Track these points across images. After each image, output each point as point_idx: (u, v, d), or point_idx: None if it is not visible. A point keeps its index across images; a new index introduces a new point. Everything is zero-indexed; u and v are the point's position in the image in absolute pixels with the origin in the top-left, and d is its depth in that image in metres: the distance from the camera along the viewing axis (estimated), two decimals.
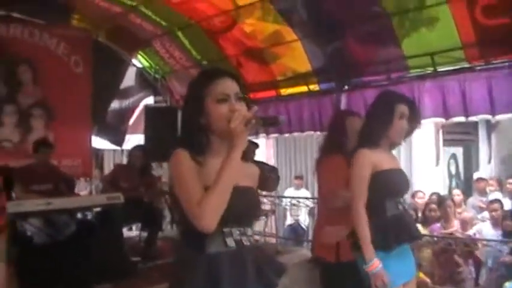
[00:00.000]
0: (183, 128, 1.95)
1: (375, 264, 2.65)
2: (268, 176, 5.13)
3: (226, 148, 1.82)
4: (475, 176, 7.73)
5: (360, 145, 2.89)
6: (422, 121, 5.50)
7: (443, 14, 4.95)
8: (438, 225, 6.04)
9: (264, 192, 6.71)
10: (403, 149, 8.83)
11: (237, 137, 1.78)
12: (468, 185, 8.65)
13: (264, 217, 7.34)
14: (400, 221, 2.81)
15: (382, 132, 2.86)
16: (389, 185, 2.82)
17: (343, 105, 6.20)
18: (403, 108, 2.86)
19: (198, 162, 1.83)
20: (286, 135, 7.55)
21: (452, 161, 10.42)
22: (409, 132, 2.95)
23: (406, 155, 9.11)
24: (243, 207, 1.85)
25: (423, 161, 9.13)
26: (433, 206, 6.39)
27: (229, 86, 1.87)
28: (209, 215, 1.71)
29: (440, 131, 9.36)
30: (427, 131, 8.85)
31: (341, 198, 3.14)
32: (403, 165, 3.63)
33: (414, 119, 2.95)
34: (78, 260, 4.60)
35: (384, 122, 2.85)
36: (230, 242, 1.82)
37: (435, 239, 5.87)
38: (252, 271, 1.82)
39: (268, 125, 1.84)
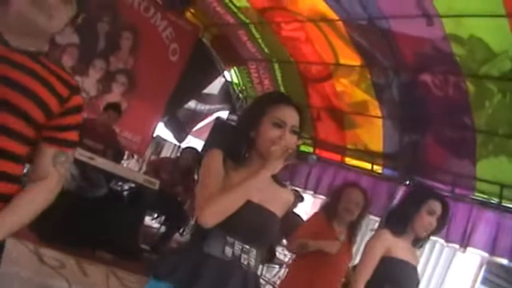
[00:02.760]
0: (231, 133, 2.02)
1: None
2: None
3: (258, 168, 1.88)
4: None
5: (383, 225, 2.88)
6: (468, 249, 5.36)
7: None
8: None
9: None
10: (438, 273, 8.57)
11: (272, 159, 1.84)
12: None
13: (277, 266, 7.26)
14: None
15: (407, 221, 2.82)
16: (394, 275, 2.77)
17: (396, 198, 6.10)
18: (435, 206, 2.81)
19: (227, 168, 1.89)
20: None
21: None
22: (435, 231, 2.89)
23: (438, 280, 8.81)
24: (255, 227, 1.86)
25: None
26: None
27: (289, 116, 1.92)
28: (212, 211, 1.77)
29: (483, 267, 8.99)
30: (470, 261, 8.54)
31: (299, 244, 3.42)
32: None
33: (443, 221, 2.90)
34: (95, 221, 4.71)
35: (411, 211, 2.82)
36: (228, 251, 1.82)
37: None
38: None
39: (300, 159, 1.87)
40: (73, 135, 1.61)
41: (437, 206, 2.82)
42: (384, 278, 2.74)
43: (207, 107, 8.84)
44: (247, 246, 1.85)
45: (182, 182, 6.23)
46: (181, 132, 8.80)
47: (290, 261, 5.07)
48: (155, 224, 7.09)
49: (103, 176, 5.19)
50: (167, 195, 5.85)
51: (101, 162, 4.88)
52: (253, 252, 1.87)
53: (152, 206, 5.94)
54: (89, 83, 6.96)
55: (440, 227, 2.87)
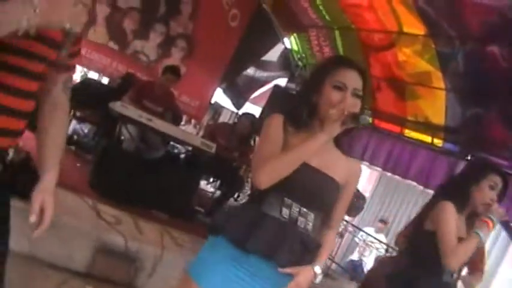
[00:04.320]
0: (294, 98, 2.02)
1: None
2: (355, 201, 5.07)
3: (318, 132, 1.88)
4: None
5: (443, 198, 2.77)
6: None
7: None
8: None
9: None
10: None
11: (329, 123, 1.83)
12: None
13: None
14: None
15: (467, 194, 2.74)
16: None
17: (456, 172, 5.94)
18: (497, 179, 2.72)
19: (288, 132, 1.90)
20: (389, 174, 7.34)
21: None
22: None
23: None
24: (312, 190, 1.87)
25: None
26: None
27: (350, 78, 1.89)
28: (266, 172, 1.80)
29: None
30: None
31: None
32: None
33: (502, 196, 2.78)
34: (151, 182, 4.81)
35: (471, 184, 2.74)
36: (285, 212, 1.84)
37: None
38: (288, 250, 1.82)
39: (352, 121, 1.82)
40: (77, 60, 1.69)
41: (498, 180, 2.72)
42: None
43: (266, 74, 8.79)
44: (305, 209, 1.87)
45: (239, 147, 6.24)
46: (239, 98, 8.81)
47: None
48: (211, 189, 7.19)
49: (161, 138, 5.28)
50: (223, 160, 5.89)
51: (159, 124, 4.94)
52: (311, 215, 1.88)
53: (208, 170, 6.00)
54: (149, 46, 7.08)
55: (499, 201, 2.77)
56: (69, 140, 5.66)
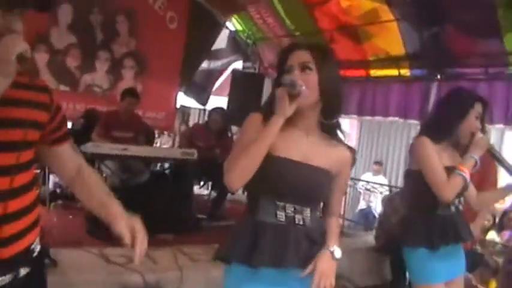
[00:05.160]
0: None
1: None
2: None
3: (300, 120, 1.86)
4: None
5: (422, 133, 2.75)
6: None
7: None
8: (509, 232, 5.74)
9: None
10: None
11: (278, 102, 1.78)
12: None
13: None
14: (448, 223, 2.70)
15: (452, 126, 2.71)
16: None
17: (432, 96, 5.97)
18: (480, 108, 2.72)
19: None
20: (368, 118, 7.36)
21: None
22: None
23: None
24: (301, 186, 1.83)
25: None
26: None
27: (295, 58, 1.85)
28: (233, 174, 1.78)
29: None
30: None
31: None
32: None
33: (483, 121, 2.78)
34: (146, 208, 4.73)
35: (458, 116, 2.70)
36: (280, 216, 1.83)
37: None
38: (295, 251, 1.81)
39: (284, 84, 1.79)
40: (66, 127, 1.73)
41: (480, 108, 2.73)
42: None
43: (220, 62, 8.74)
44: (299, 206, 1.84)
45: (218, 143, 6.19)
46: (202, 95, 8.77)
47: None
48: (205, 191, 7.15)
49: (142, 161, 5.22)
50: (207, 161, 5.85)
51: (135, 150, 4.91)
52: (307, 210, 1.86)
53: (196, 175, 5.97)
54: (100, 77, 7.00)
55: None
56: (54, 196, 5.56)
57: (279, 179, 1.79)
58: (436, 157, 2.63)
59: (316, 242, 1.87)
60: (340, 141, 1.95)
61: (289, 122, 1.83)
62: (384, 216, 5.80)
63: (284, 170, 1.80)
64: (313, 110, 1.85)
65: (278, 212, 1.82)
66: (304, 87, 1.76)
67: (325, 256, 1.85)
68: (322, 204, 2.02)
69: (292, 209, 1.83)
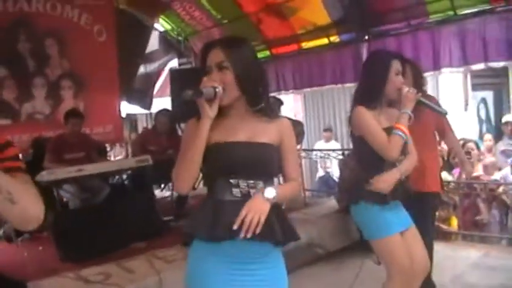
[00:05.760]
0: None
1: None
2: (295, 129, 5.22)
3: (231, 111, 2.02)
4: (504, 119, 7.47)
5: (356, 103, 2.91)
6: (445, 69, 5.49)
7: None
8: (458, 169, 6.04)
9: None
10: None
11: (200, 109, 1.93)
12: (500, 130, 8.46)
13: None
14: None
15: (379, 90, 2.87)
16: None
17: (364, 57, 6.17)
18: (397, 64, 2.88)
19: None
20: (308, 90, 7.55)
21: (482, 105, 10.06)
22: (416, 89, 2.95)
23: None
24: (251, 162, 1.96)
25: (451, 107, 8.96)
26: None
27: (211, 58, 1.97)
28: (178, 181, 1.99)
29: (469, 76, 9.15)
30: (454, 76, 8.69)
31: None
32: None
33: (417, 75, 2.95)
34: (113, 222, 4.83)
35: (381, 78, 2.86)
36: (236, 192, 1.95)
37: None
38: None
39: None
40: (14, 163, 1.56)
41: (398, 65, 2.89)
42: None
43: (157, 64, 8.79)
44: (252, 181, 1.97)
45: (169, 144, 6.25)
46: (145, 99, 8.80)
47: None
48: (167, 193, 7.23)
49: (99, 178, 5.27)
50: (163, 163, 5.90)
51: (90, 168, 4.95)
52: (260, 184, 1.98)
53: (155, 179, 6.04)
54: (39, 103, 6.94)
55: (419, 84, 2.96)
56: (18, 231, 5.54)
57: (230, 158, 1.94)
58: (374, 122, 2.81)
59: (269, 216, 1.93)
60: (275, 116, 2.10)
61: (223, 115, 2.00)
62: (342, 178, 6.04)
63: (230, 151, 1.95)
64: (239, 101, 2.00)
65: (233, 189, 1.95)
66: (218, 89, 1.90)
67: (255, 196, 1.93)
68: (281, 177, 2.14)
69: (246, 184, 1.96)
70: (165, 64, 8.83)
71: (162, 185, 6.97)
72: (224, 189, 1.96)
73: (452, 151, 5.09)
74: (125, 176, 5.76)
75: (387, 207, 2.83)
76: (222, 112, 1.98)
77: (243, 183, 1.96)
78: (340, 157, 7.58)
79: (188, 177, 1.94)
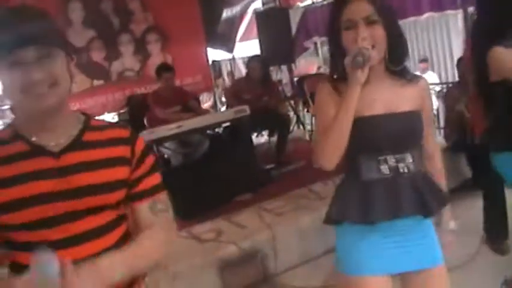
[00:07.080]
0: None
1: None
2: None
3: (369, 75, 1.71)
4: None
5: (490, 42, 2.46)
6: None
7: None
8: None
9: None
10: None
11: (349, 73, 1.68)
12: None
13: None
14: None
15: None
16: None
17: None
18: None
19: (341, 93, 1.76)
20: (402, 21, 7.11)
21: None
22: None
23: None
24: (398, 135, 1.77)
25: None
26: None
27: (355, 11, 1.69)
28: (324, 157, 1.73)
29: None
30: None
31: None
32: None
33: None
34: (216, 175, 4.76)
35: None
36: (385, 169, 1.77)
37: None
38: (408, 198, 1.77)
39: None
40: (154, 179, 1.50)
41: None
42: None
43: (238, 7, 8.54)
44: (399, 155, 1.78)
45: (264, 91, 6.15)
46: (228, 43, 8.67)
47: None
48: (261, 139, 7.15)
49: (199, 132, 5.20)
50: (259, 111, 5.78)
51: (190, 123, 4.86)
52: (408, 156, 1.79)
53: (251, 128, 5.92)
54: (129, 61, 6.95)
55: None
56: None
57: (372, 136, 1.74)
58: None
59: (423, 184, 1.81)
60: (411, 76, 1.84)
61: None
62: (448, 111, 5.65)
63: (375, 126, 1.74)
64: (380, 62, 1.75)
65: (381, 167, 1.77)
66: (371, 50, 1.65)
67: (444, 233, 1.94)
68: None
69: (394, 160, 1.77)
70: (247, 6, 8.57)
71: (256, 133, 6.84)
72: (370, 168, 1.78)
73: None
74: (221, 128, 5.68)
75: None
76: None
77: (391, 159, 1.77)
78: (438, 89, 7.16)
79: (338, 152, 1.70)
